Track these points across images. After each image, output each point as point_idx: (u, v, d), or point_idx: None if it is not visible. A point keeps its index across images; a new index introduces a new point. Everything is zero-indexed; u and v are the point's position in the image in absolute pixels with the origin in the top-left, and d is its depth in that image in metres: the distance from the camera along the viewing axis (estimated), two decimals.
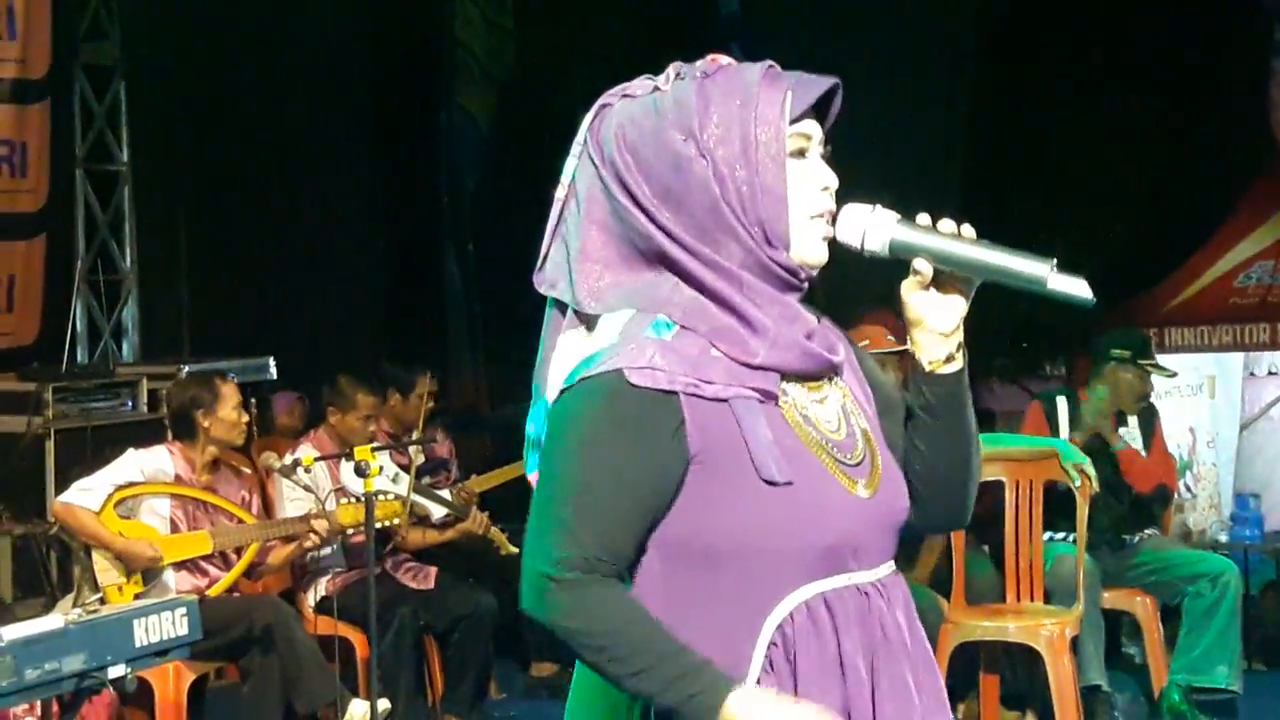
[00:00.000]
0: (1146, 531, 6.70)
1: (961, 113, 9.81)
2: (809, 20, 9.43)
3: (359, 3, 10.31)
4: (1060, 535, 6.34)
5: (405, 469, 6.61)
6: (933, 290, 2.18)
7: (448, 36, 10.78)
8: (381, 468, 5.82)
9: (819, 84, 2.14)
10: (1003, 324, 9.02)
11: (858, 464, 2.14)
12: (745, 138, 2.08)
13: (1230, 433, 8.61)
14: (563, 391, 2.06)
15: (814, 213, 2.13)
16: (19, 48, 8.21)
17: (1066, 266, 2.12)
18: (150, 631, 4.40)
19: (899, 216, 2.17)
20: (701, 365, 2.05)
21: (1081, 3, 9.31)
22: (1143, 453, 6.68)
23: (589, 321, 2.11)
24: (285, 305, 9.19)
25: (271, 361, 8.36)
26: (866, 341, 6.19)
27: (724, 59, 2.16)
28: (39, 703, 4.35)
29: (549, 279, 2.16)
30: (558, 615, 2.01)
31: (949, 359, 2.21)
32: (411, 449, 6.82)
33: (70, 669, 4.14)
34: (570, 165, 2.17)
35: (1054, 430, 6.59)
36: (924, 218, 2.16)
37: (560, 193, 2.17)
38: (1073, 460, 5.99)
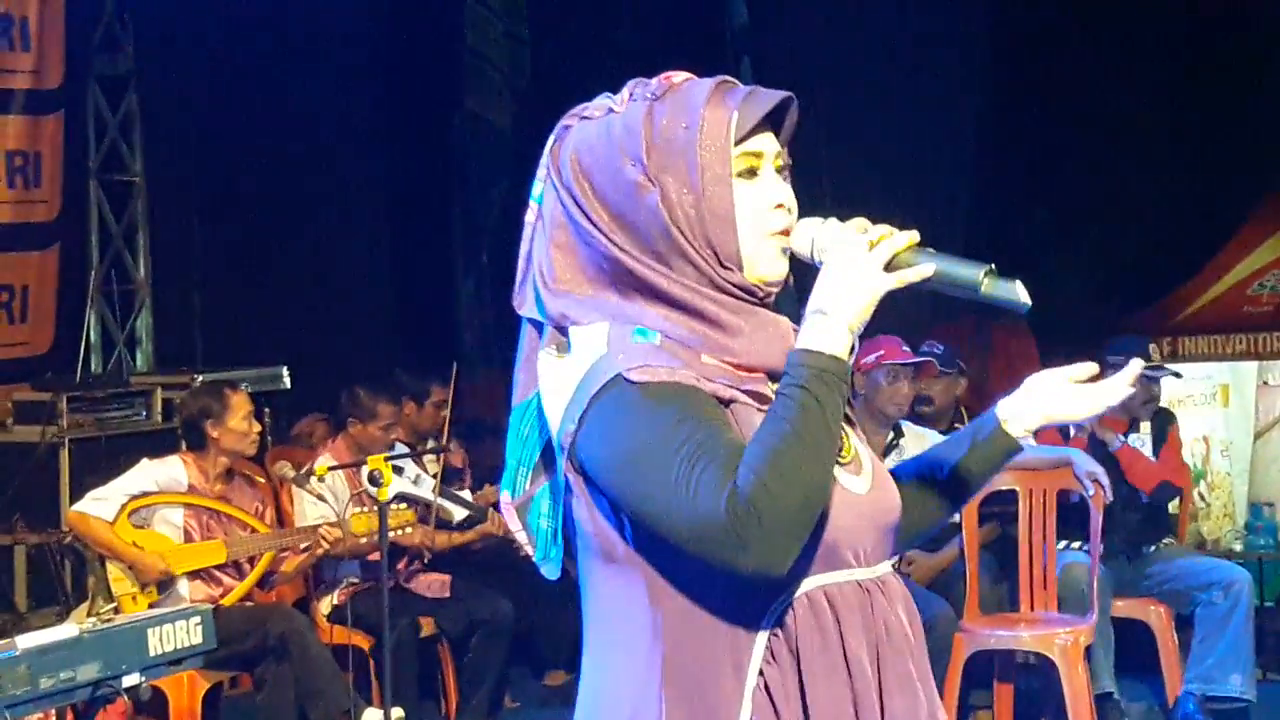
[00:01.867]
0: (1164, 541, 6.70)
1: (972, 123, 9.80)
2: (819, 33, 9.43)
3: (372, 14, 10.32)
4: (1075, 544, 6.34)
5: (425, 472, 6.65)
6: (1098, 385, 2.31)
7: (460, 46, 10.79)
8: (402, 470, 5.83)
9: (768, 99, 2.13)
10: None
11: (848, 462, 2.15)
12: (690, 162, 2.09)
13: (1244, 441, 8.58)
14: (581, 419, 2.03)
15: (769, 231, 2.13)
16: (33, 59, 8.23)
17: (1006, 274, 2.09)
18: (165, 640, 4.41)
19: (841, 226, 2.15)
20: (695, 368, 2.06)
21: (1094, 11, 9.30)
22: (1151, 458, 6.68)
23: (560, 341, 2.12)
24: (298, 315, 9.20)
25: (285, 371, 8.37)
26: (881, 351, 6.21)
27: (679, 76, 2.16)
28: (54, 711, 4.36)
29: (524, 299, 2.19)
30: (764, 533, 1.93)
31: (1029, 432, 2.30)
32: (431, 456, 6.85)
33: (85, 678, 4.15)
34: (537, 188, 2.19)
35: (1065, 439, 6.59)
36: (861, 222, 2.13)
37: (529, 216, 2.19)
38: (1087, 469, 5.99)
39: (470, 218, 10.98)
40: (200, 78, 9.00)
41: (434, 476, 6.64)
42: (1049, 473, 6.13)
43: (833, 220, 2.14)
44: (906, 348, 6.28)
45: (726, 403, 2.06)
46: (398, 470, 6.31)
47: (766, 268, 2.13)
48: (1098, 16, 9.24)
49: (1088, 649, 5.94)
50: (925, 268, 2.07)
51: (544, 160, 2.18)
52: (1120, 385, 2.35)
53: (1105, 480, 5.97)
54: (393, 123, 10.54)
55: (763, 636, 2.04)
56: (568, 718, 2.23)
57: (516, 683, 7.27)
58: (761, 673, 2.04)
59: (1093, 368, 2.36)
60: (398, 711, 5.72)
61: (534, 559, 2.22)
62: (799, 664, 2.04)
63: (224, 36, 8.95)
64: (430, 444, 7.11)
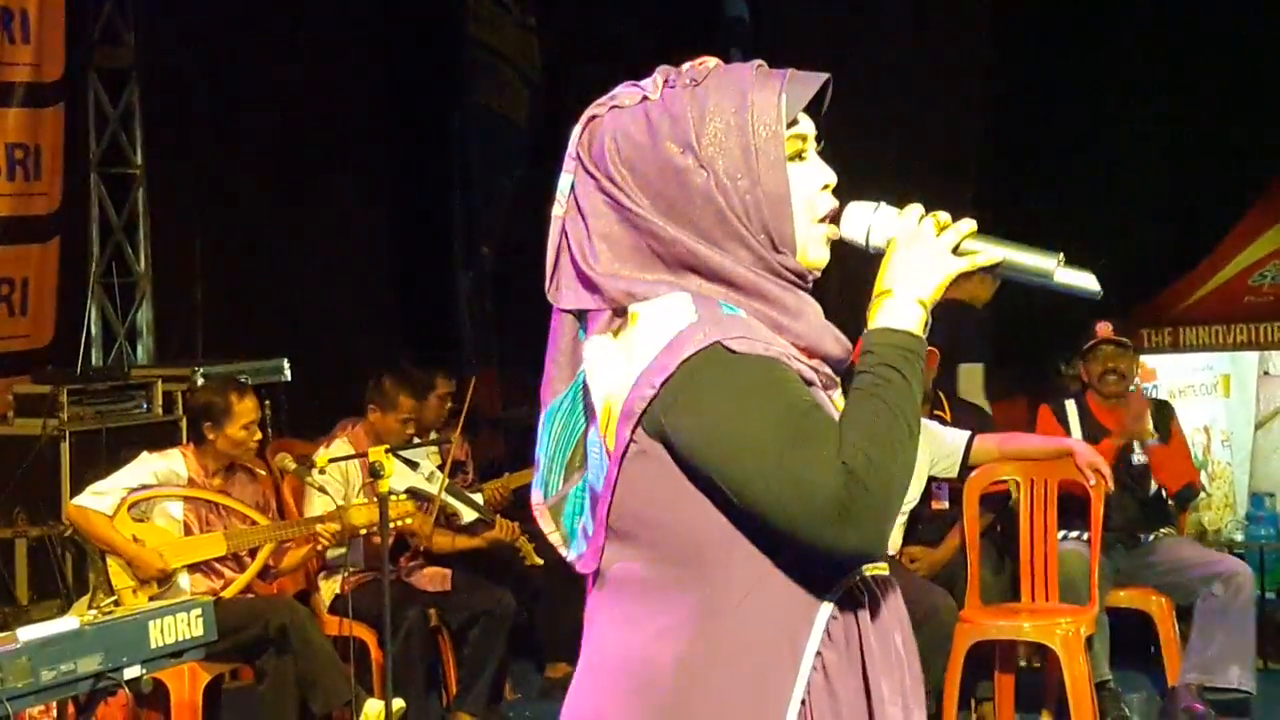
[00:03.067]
0: (1162, 530, 6.69)
1: (974, 113, 9.79)
2: (818, 19, 9.43)
3: (373, 6, 10.31)
4: (1074, 534, 6.34)
5: (439, 468, 6.65)
6: None
7: (461, 36, 10.78)
8: (418, 465, 5.83)
9: (812, 81, 2.12)
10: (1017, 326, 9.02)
11: None
12: (744, 146, 2.07)
13: (1245, 431, 8.58)
14: (665, 384, 1.99)
15: (819, 215, 2.13)
16: (33, 51, 8.23)
17: (1075, 263, 2.10)
18: (166, 633, 4.42)
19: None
20: (780, 345, 2.05)
21: (1098, 2, 9.30)
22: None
23: (618, 325, 2.08)
24: (299, 307, 9.20)
25: (286, 363, 8.37)
26: None
27: (710, 61, 2.15)
28: (55, 704, 4.37)
29: (566, 293, 2.14)
30: (873, 510, 1.94)
31: None
32: (440, 448, 6.86)
33: (86, 670, 4.15)
34: (566, 181, 2.15)
35: (1067, 433, 6.60)
36: (917, 208, 2.13)
37: (558, 209, 2.15)
38: (1088, 460, 5.99)
39: (471, 211, 10.97)
40: (201, 70, 8.99)
41: (438, 469, 6.64)
42: (1050, 463, 6.14)
43: (884, 205, 2.14)
44: None
45: (808, 383, 2.05)
46: (412, 465, 6.34)
47: (815, 252, 2.13)
48: (1101, 5, 9.24)
49: (1088, 639, 5.94)
50: (996, 252, 2.09)
51: (571, 152, 2.15)
52: None
53: (1106, 471, 5.98)
54: (394, 116, 10.53)
55: (821, 619, 2.03)
56: None
57: (518, 675, 7.27)
58: (820, 654, 2.03)
59: None
60: (399, 702, 5.72)
61: (568, 557, 2.17)
62: (861, 647, 2.05)
63: (224, 29, 8.95)
64: (434, 435, 7.12)
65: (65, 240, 8.58)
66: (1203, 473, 8.49)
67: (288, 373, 8.38)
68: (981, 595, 6.19)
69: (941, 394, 7.00)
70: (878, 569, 2.10)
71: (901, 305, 2.05)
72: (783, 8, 9.92)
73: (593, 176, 2.11)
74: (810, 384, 2.05)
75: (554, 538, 2.18)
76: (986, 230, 2.14)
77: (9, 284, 8.26)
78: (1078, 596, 6.09)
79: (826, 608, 2.04)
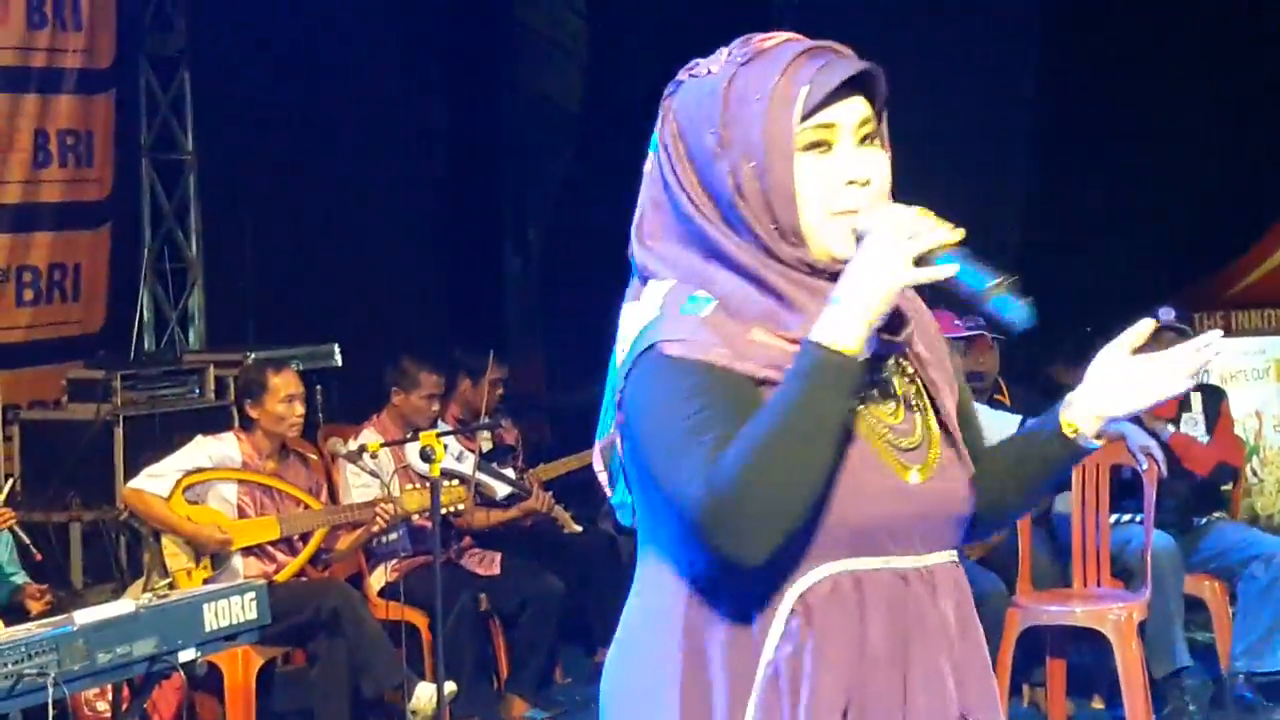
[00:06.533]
0: (1215, 514, 6.65)
1: (1024, 99, 9.74)
2: (866, 10, 9.39)
3: None
4: (1125, 517, 6.31)
5: (468, 450, 6.66)
6: (1153, 363, 2.19)
7: (512, 20, 10.78)
8: (446, 446, 5.85)
9: (843, 70, 2.07)
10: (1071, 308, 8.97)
11: (913, 449, 2.12)
12: (757, 135, 2.07)
13: None
14: (626, 375, 2.08)
15: (836, 209, 2.08)
16: (84, 38, 8.27)
17: (1019, 293, 2.04)
18: (220, 616, 4.45)
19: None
20: (739, 344, 2.05)
21: None
22: (1204, 436, 6.63)
23: (640, 292, 2.14)
24: (350, 292, 9.23)
25: (336, 348, 8.40)
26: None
27: (775, 37, 2.13)
28: (110, 686, 4.41)
29: (631, 246, 2.20)
30: (737, 520, 1.95)
31: (1098, 435, 2.22)
32: (493, 433, 6.86)
33: (141, 653, 4.19)
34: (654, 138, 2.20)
35: None
36: (922, 211, 2.06)
37: (647, 165, 2.20)
38: (1140, 444, 5.96)
39: (520, 196, 10.98)
40: (252, 56, 9.02)
41: (474, 454, 6.63)
42: (1102, 446, 6.09)
43: (897, 206, 2.08)
44: (959, 321, 6.24)
45: (762, 382, 2.04)
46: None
47: (833, 245, 2.08)
48: None
49: (1141, 624, 5.90)
50: (948, 268, 2.01)
51: (660, 111, 2.19)
52: (1178, 378, 2.20)
53: (1159, 454, 5.94)
54: (444, 101, 10.55)
55: (782, 613, 2.04)
56: None
57: (568, 659, 7.28)
58: (776, 650, 2.03)
59: (1148, 325, 2.21)
60: (450, 686, 5.74)
61: (610, 500, 2.23)
62: (814, 644, 2.03)
63: (275, 14, 8.96)
64: (486, 420, 7.13)
65: (116, 226, 8.63)
66: (1254, 458, 8.44)
67: (339, 358, 8.41)
68: (1033, 580, 6.16)
69: (1000, 379, 6.95)
70: (889, 563, 2.07)
71: (842, 317, 1.99)
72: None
73: (656, 142, 2.17)
74: (763, 382, 2.03)
75: (601, 477, 2.23)
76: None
77: (61, 270, 8.31)
78: (1139, 582, 6.05)
79: (788, 602, 2.03)
